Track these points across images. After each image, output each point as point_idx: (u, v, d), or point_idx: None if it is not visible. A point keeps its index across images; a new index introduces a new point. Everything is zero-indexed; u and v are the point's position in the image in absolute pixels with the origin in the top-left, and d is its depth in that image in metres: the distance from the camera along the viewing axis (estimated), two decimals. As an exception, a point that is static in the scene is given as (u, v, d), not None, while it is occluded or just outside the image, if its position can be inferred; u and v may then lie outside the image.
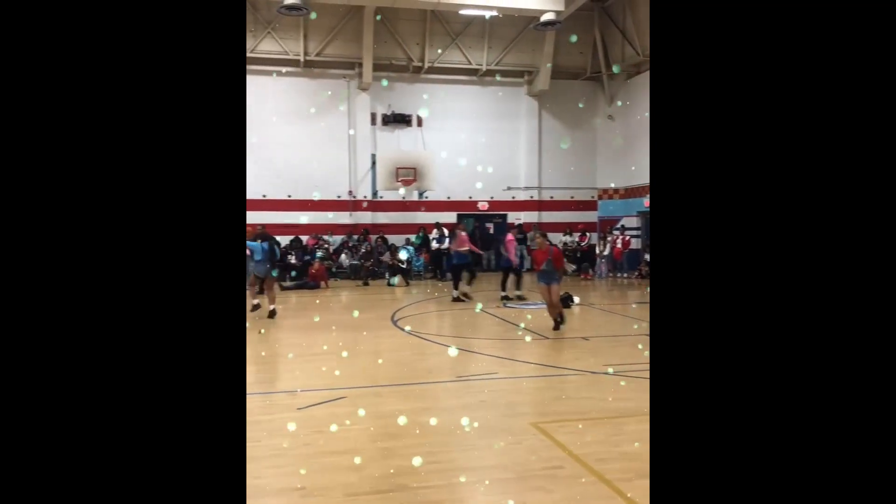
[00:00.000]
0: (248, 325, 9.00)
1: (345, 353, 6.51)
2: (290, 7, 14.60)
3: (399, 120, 17.92)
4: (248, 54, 16.79)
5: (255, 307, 10.16)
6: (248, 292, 10.60)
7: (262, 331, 8.78)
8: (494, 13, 16.08)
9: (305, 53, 17.18)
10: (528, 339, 7.85)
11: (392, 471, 3.60)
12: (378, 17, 16.87)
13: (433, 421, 4.41)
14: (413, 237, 17.10)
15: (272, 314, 9.81)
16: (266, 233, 10.55)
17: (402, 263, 15.43)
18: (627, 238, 16.79)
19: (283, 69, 17.11)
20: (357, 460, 3.67)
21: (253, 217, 16.48)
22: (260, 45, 16.92)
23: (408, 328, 8.79)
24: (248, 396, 5.34)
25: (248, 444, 3.93)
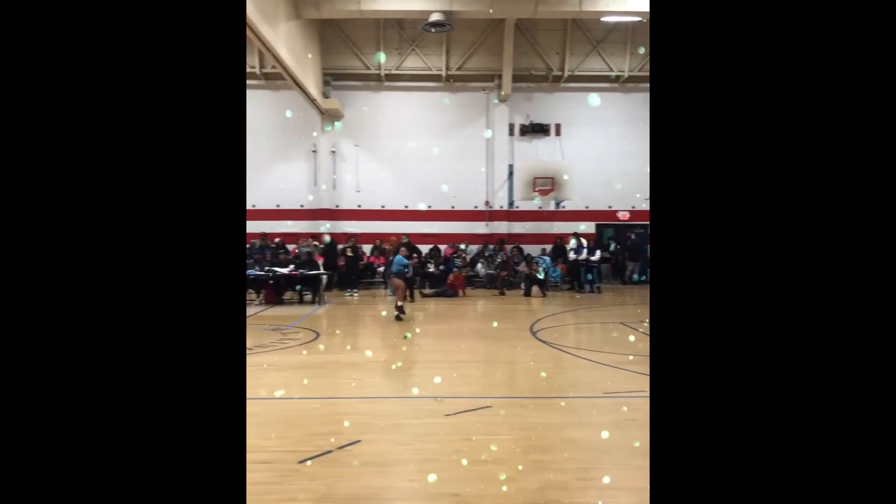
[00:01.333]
0: (394, 329, 9.27)
1: (486, 363, 6.57)
2: (435, 24, 15.10)
3: (537, 129, 17.88)
4: (394, 70, 17.60)
5: (399, 314, 10.47)
6: (395, 297, 11.01)
7: (408, 335, 9.10)
8: (639, 19, 15.59)
9: (447, 68, 17.68)
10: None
11: (544, 484, 3.58)
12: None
13: (582, 436, 4.33)
14: (548, 247, 16.95)
15: (400, 312, 10.15)
16: (409, 243, 10.93)
17: (539, 274, 15.32)
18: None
19: (426, 83, 17.73)
20: (508, 471, 3.69)
21: (396, 227, 17.24)
22: (405, 62, 17.66)
23: (547, 340, 8.71)
24: (395, 399, 5.56)
25: (398, 447, 4.11)
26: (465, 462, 3.93)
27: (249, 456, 4.02)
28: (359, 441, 4.31)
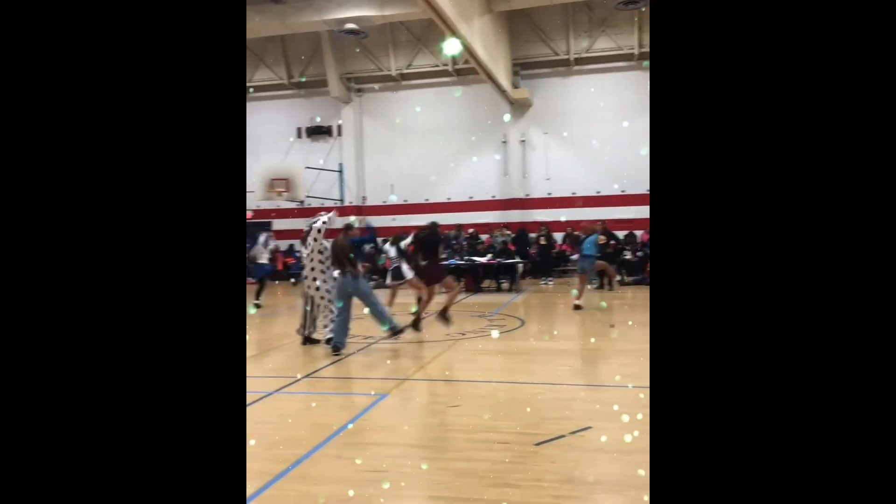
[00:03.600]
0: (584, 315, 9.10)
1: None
2: (628, 1, 14.55)
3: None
4: (584, 54, 17.26)
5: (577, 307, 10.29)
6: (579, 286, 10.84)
7: (614, 325, 8.95)
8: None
9: (640, 46, 16.94)
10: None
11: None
12: None
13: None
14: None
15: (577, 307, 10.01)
16: (606, 229, 10.71)
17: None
18: None
19: (618, 64, 17.16)
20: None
21: (589, 214, 16.95)
22: (595, 44, 17.24)
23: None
24: (617, 389, 5.50)
25: (629, 435, 4.06)
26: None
27: (486, 435, 4.26)
28: (590, 427, 4.35)
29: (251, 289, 11.76)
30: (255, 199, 18.36)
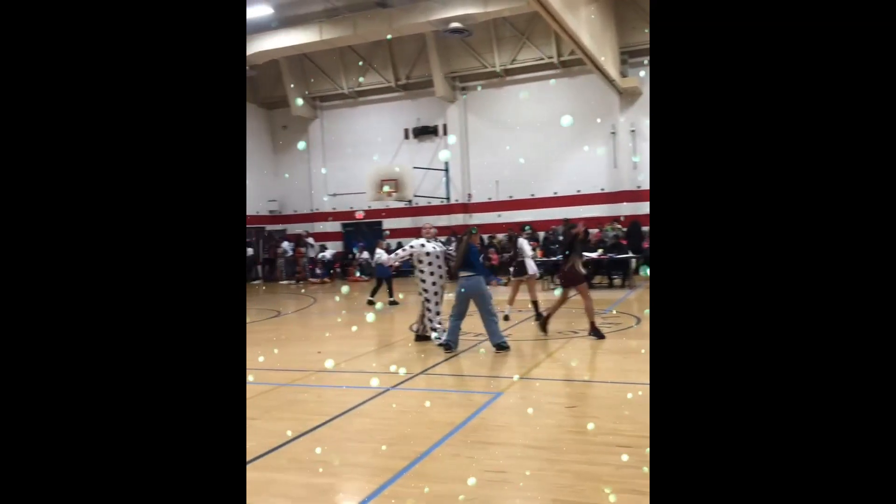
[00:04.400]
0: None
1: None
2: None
3: None
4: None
5: None
6: None
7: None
8: None
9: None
10: None
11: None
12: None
13: None
14: None
15: None
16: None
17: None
18: None
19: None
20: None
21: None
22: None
23: None
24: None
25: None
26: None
27: (606, 438, 4.12)
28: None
29: (369, 286, 12.15)
30: (366, 199, 18.99)
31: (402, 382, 5.97)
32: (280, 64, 20.49)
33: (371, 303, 12.11)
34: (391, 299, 12.37)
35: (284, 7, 17.69)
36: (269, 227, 22.85)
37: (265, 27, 18.00)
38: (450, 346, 7.26)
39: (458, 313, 7.35)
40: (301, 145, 21.53)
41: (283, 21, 17.89)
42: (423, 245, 7.78)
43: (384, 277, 12.51)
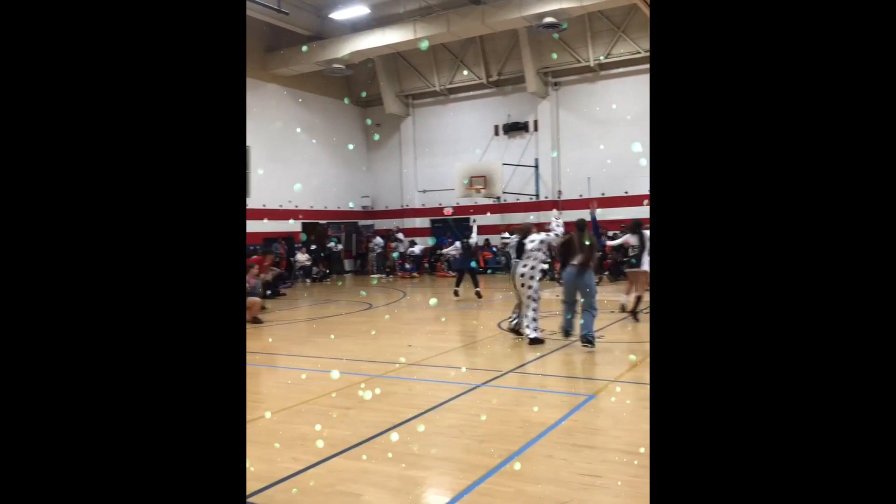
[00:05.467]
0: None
1: None
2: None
3: None
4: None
5: None
6: None
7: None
8: None
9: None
10: None
11: None
12: None
13: None
14: None
15: None
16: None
17: None
18: None
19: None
20: None
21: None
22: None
23: None
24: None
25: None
26: None
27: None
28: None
29: (452, 280, 12.39)
30: (455, 196, 19.09)
31: (492, 379, 5.96)
32: (374, 62, 20.96)
33: (456, 293, 12.56)
34: (476, 290, 12.60)
35: (380, 6, 18.07)
36: (361, 223, 23.47)
37: (363, 27, 18.46)
38: (589, 339, 7.15)
39: (571, 301, 7.55)
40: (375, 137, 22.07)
41: (380, 20, 18.28)
42: (554, 236, 7.70)
43: (466, 269, 12.94)
